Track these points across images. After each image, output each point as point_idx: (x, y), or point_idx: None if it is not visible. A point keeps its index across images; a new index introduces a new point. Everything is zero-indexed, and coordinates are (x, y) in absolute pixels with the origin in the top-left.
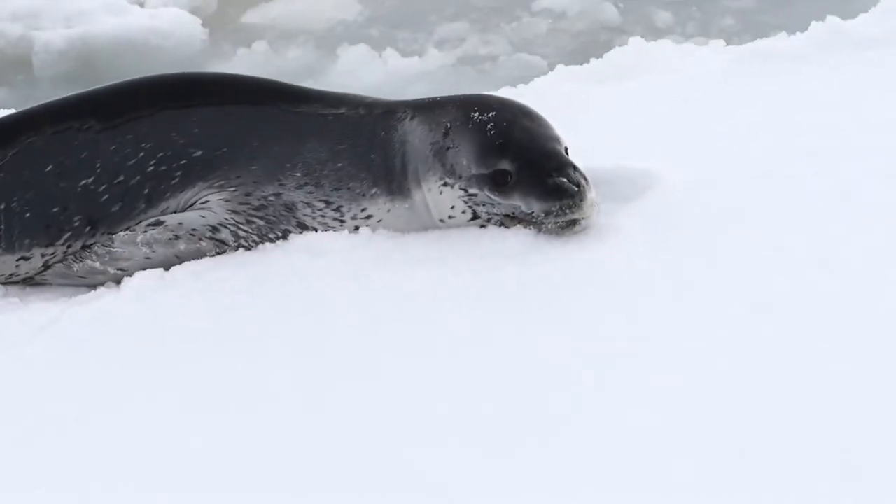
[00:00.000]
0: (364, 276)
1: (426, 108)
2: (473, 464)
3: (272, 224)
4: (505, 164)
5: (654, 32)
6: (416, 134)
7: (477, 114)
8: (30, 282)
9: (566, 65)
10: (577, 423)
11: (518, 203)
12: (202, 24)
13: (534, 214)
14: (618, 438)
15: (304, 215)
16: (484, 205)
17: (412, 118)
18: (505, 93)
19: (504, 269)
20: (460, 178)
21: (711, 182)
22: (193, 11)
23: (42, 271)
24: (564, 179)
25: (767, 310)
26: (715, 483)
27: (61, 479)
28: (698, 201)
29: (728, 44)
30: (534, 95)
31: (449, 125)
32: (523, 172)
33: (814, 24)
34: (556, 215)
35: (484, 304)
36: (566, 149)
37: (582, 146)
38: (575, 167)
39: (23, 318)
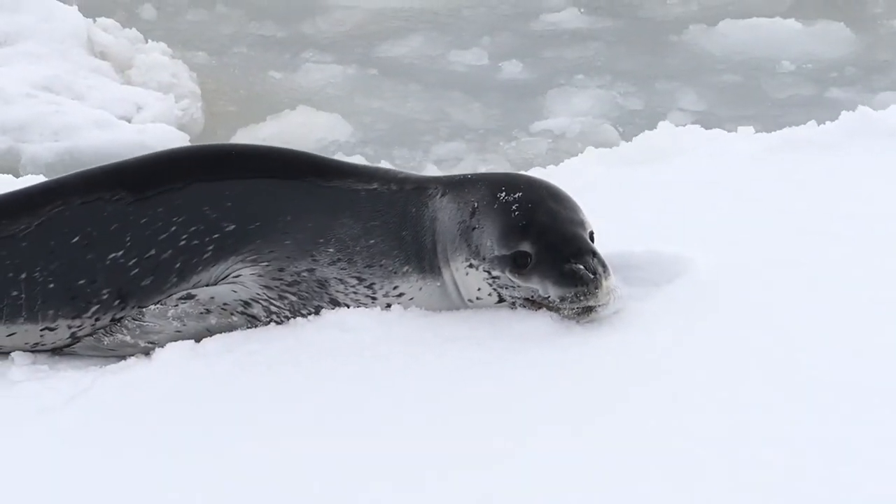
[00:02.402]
0: (394, 353)
1: (456, 186)
2: None
3: (305, 300)
4: (525, 247)
5: None
6: (445, 212)
7: (504, 194)
8: (58, 351)
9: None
10: None
11: (536, 287)
12: (190, 141)
13: (550, 299)
14: None
15: (337, 291)
16: (507, 287)
17: (442, 195)
18: (535, 172)
19: (532, 351)
20: (484, 259)
21: (742, 269)
22: (181, 128)
23: (70, 343)
24: (581, 266)
25: (800, 400)
26: None
27: None
28: (728, 288)
29: None
30: (563, 177)
31: (476, 204)
32: (542, 256)
33: (844, 113)
34: (571, 301)
35: (511, 386)
36: (591, 233)
37: (611, 229)
38: (595, 253)
39: (54, 386)
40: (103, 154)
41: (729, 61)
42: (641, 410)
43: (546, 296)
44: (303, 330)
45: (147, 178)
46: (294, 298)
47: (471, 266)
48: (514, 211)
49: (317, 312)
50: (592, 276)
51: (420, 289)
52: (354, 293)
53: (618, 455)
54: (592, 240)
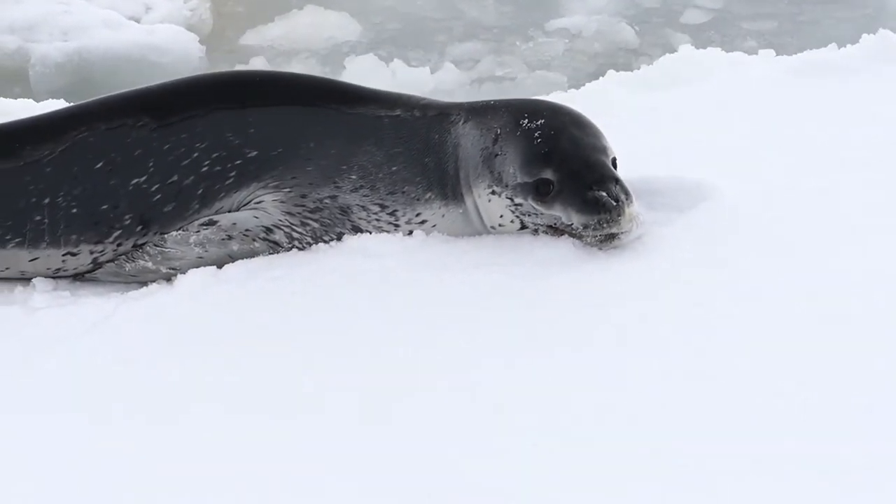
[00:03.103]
0: (417, 279)
1: (479, 112)
2: (539, 468)
3: (327, 227)
4: (548, 174)
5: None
6: (468, 138)
7: (526, 120)
8: (79, 277)
9: (585, 85)
10: (634, 431)
11: (559, 214)
12: (199, 42)
13: (573, 226)
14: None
15: (359, 219)
16: (529, 215)
17: (465, 122)
18: (556, 97)
19: (555, 277)
20: (507, 186)
21: (764, 194)
22: (190, 29)
23: (92, 269)
24: (604, 193)
25: (821, 327)
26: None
27: (112, 479)
28: (751, 214)
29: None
30: (584, 101)
31: (499, 131)
32: (565, 183)
33: (865, 36)
34: (594, 228)
35: (536, 311)
36: (614, 160)
37: (634, 154)
38: (617, 180)
39: (76, 313)
40: (113, 54)
41: None
42: (664, 336)
43: (569, 223)
44: (325, 256)
45: (170, 104)
46: (316, 225)
47: (493, 193)
48: (537, 138)
49: (339, 239)
50: (615, 204)
51: (443, 215)
52: (377, 220)
53: (641, 381)
54: (615, 166)
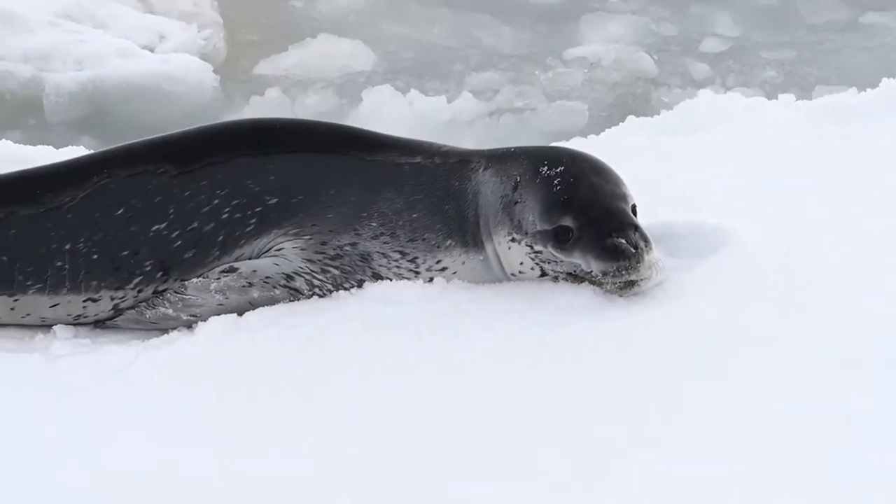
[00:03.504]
0: (438, 326)
1: (498, 159)
2: None
3: (347, 274)
4: (567, 221)
5: (692, 84)
6: (488, 185)
7: (546, 168)
8: (100, 324)
9: (606, 115)
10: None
11: (578, 261)
12: (213, 72)
13: (593, 273)
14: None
15: (380, 265)
16: (549, 262)
17: (485, 169)
18: (576, 144)
19: (577, 325)
20: (526, 234)
21: (784, 241)
22: (204, 58)
23: (113, 316)
24: (623, 241)
25: (847, 375)
26: None
27: None
28: (771, 261)
29: (770, 97)
30: (603, 146)
31: (518, 178)
32: (584, 230)
33: (884, 80)
34: (613, 276)
35: (557, 362)
36: (633, 206)
37: (655, 200)
38: (637, 227)
39: (96, 360)
40: (127, 84)
41: None
42: (684, 383)
43: (588, 270)
44: (346, 303)
45: (191, 151)
46: (337, 272)
47: (513, 240)
48: (556, 185)
49: (359, 286)
50: (634, 251)
51: (463, 262)
52: (397, 267)
53: (660, 427)
54: (635, 213)
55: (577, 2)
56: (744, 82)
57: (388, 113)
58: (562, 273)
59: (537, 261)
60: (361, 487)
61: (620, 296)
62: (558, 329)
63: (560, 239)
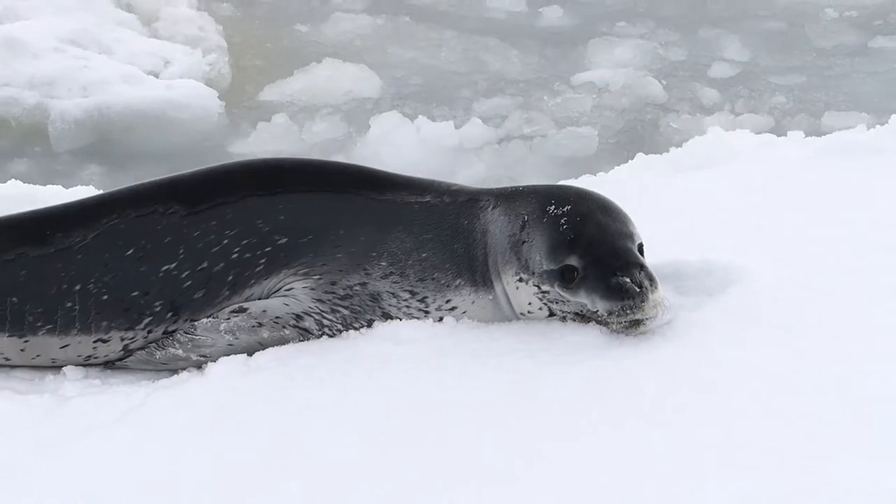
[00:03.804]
0: (448, 366)
1: (507, 198)
2: None
3: (357, 314)
4: (573, 261)
5: (701, 110)
6: (496, 225)
7: (553, 207)
8: (109, 364)
9: (616, 141)
10: None
11: (584, 301)
12: (218, 98)
13: (598, 313)
14: None
15: (390, 305)
16: (556, 302)
17: (494, 208)
18: (585, 180)
19: (584, 364)
20: (533, 273)
21: (795, 278)
22: (209, 83)
23: (123, 357)
24: (628, 280)
25: (855, 414)
26: None
27: None
28: (782, 298)
29: (779, 123)
30: (613, 184)
31: (526, 218)
32: (589, 270)
33: (894, 116)
34: (619, 315)
35: (566, 398)
36: (640, 245)
37: (664, 238)
38: (642, 266)
39: (107, 401)
40: (132, 110)
41: (772, 7)
42: (694, 422)
43: (594, 310)
44: (356, 343)
45: (200, 191)
46: (346, 312)
47: (521, 280)
48: (563, 225)
49: (369, 325)
50: (639, 290)
51: (472, 302)
52: (407, 307)
53: (670, 467)
54: (642, 252)
55: (585, 26)
56: (753, 108)
57: (396, 140)
58: (570, 313)
59: (545, 301)
60: None
61: (627, 335)
62: (567, 368)
63: (566, 278)
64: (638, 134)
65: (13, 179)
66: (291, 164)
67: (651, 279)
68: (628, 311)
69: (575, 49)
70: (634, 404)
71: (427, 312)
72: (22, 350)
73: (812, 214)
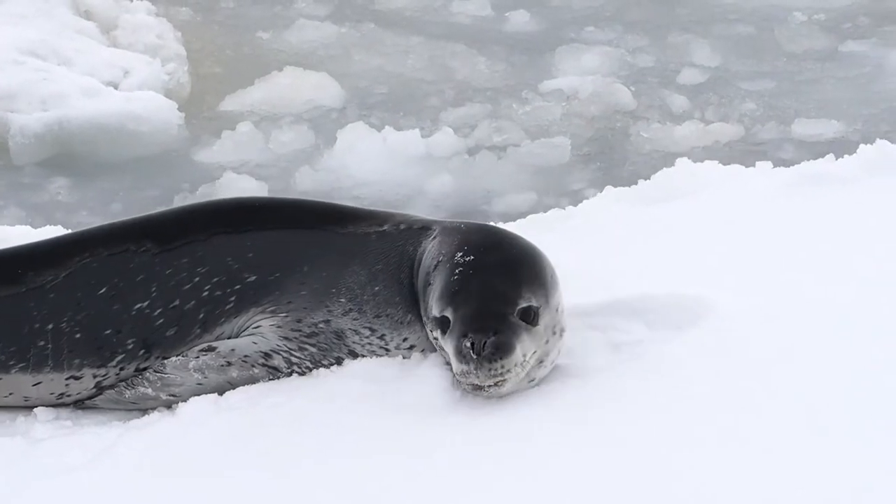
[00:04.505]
0: (416, 405)
1: (443, 233)
2: None
3: (324, 351)
4: (448, 313)
5: (670, 118)
6: (425, 258)
7: (460, 255)
8: (80, 405)
9: (588, 152)
10: None
11: (448, 355)
12: (178, 109)
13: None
14: None
15: (353, 343)
16: (442, 350)
17: (433, 239)
18: (554, 216)
19: (559, 396)
20: (428, 317)
21: (765, 311)
22: (168, 94)
23: (94, 395)
24: (469, 344)
25: (826, 435)
26: None
27: None
28: (751, 332)
29: (749, 130)
30: (583, 217)
31: (440, 259)
32: (454, 326)
33: (862, 147)
34: (458, 376)
35: (536, 433)
36: (529, 309)
37: (632, 271)
38: (497, 332)
39: (78, 442)
40: (92, 124)
41: (740, 10)
42: (666, 456)
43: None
44: (325, 381)
45: (172, 229)
46: (314, 349)
47: (426, 322)
48: (455, 275)
49: (339, 363)
50: (474, 357)
51: (427, 338)
52: (370, 344)
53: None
54: (530, 317)
55: (552, 31)
56: (723, 116)
57: (363, 150)
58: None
59: (438, 346)
60: None
61: (476, 396)
62: (535, 400)
63: (442, 329)
64: (608, 142)
65: None
66: (262, 203)
67: (498, 349)
68: (462, 376)
69: (542, 56)
70: (605, 439)
71: (388, 350)
72: None
73: (781, 246)
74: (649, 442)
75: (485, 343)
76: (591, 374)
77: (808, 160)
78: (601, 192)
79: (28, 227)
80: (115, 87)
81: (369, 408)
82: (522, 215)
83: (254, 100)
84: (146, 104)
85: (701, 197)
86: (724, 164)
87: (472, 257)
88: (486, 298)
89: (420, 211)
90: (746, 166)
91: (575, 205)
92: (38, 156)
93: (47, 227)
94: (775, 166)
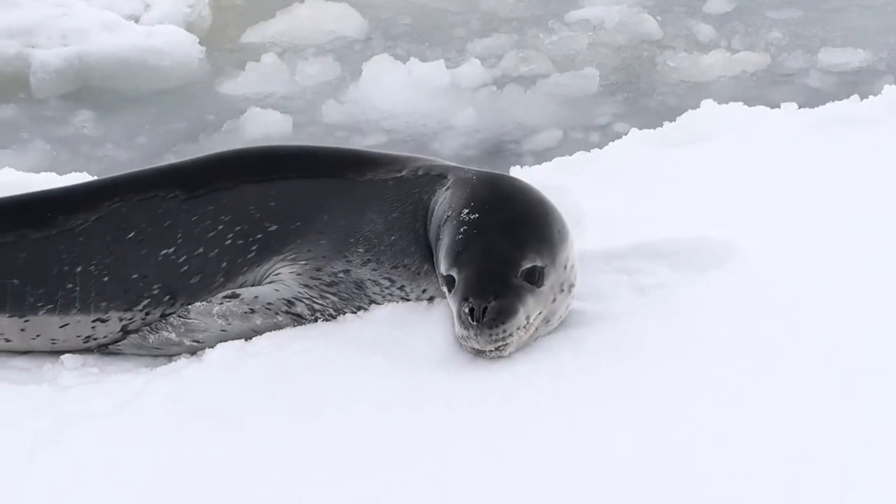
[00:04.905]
0: (443, 349)
1: (455, 185)
2: None
3: (346, 301)
4: (454, 273)
5: (697, 47)
6: (439, 209)
7: (467, 211)
8: (104, 350)
9: (614, 82)
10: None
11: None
12: (199, 43)
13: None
14: None
15: (374, 293)
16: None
17: (447, 189)
18: (580, 159)
19: (589, 339)
20: (439, 273)
21: (790, 254)
22: (189, 28)
23: (119, 339)
24: (468, 310)
25: (847, 381)
26: None
27: None
28: (775, 272)
29: (775, 59)
30: (609, 160)
31: (449, 214)
32: (458, 287)
33: (887, 87)
34: (460, 339)
35: (565, 381)
36: (533, 269)
37: (657, 214)
38: (498, 296)
39: (105, 390)
40: (112, 58)
41: None
42: (686, 399)
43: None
44: (352, 326)
45: (200, 176)
46: (335, 298)
47: (438, 275)
48: (460, 234)
49: (365, 309)
50: (473, 324)
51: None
52: (390, 295)
53: (658, 440)
54: (534, 276)
55: None
56: (749, 45)
57: (389, 82)
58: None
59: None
60: None
61: (478, 357)
62: (566, 345)
63: (449, 289)
64: (635, 73)
65: (7, 167)
66: (286, 151)
67: (499, 314)
68: (463, 340)
69: None
70: (627, 380)
71: (408, 300)
72: (22, 330)
73: (806, 188)
74: (672, 386)
75: (484, 309)
76: (617, 318)
77: (834, 88)
78: (628, 124)
79: (53, 174)
80: (136, 21)
81: (395, 353)
82: (549, 151)
83: (275, 32)
84: (167, 38)
85: (726, 139)
86: (750, 93)
87: (477, 215)
88: (488, 261)
89: (448, 146)
90: (772, 96)
91: (602, 141)
92: (59, 90)
93: (72, 173)
94: (800, 95)
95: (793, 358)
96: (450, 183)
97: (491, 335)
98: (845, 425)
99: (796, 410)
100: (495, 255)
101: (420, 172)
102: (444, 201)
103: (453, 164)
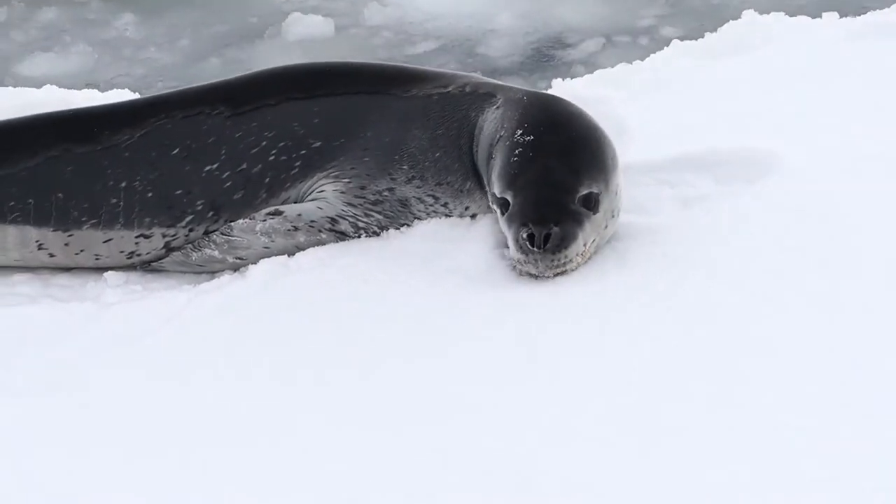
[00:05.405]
0: (487, 264)
1: (507, 104)
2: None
3: (391, 219)
4: (509, 196)
5: None
6: (488, 127)
7: (521, 132)
8: (147, 267)
9: None
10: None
11: (507, 237)
12: None
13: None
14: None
15: (419, 211)
16: (503, 228)
17: (497, 108)
18: (622, 71)
19: (634, 252)
20: (491, 193)
21: (834, 165)
22: None
23: (163, 255)
24: (529, 236)
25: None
26: None
27: (182, 476)
28: (822, 185)
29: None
30: (651, 72)
31: (502, 134)
32: (514, 211)
33: None
34: (516, 263)
35: (607, 292)
36: (590, 195)
37: (700, 125)
38: (559, 223)
39: (148, 306)
40: None
41: None
42: (728, 307)
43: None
44: (394, 242)
45: (246, 93)
46: (380, 216)
47: (487, 193)
48: (515, 156)
49: (409, 225)
50: (533, 250)
51: (489, 207)
52: (434, 212)
53: (697, 349)
54: (591, 202)
55: None
56: None
57: None
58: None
59: (499, 223)
60: (429, 442)
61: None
62: (610, 261)
63: (502, 211)
64: None
65: (48, 85)
66: (331, 68)
67: (562, 240)
68: (520, 265)
69: None
70: (662, 288)
71: (452, 217)
72: (66, 244)
73: (849, 98)
74: (717, 299)
75: (546, 235)
76: (660, 230)
77: None
78: (672, 28)
79: (95, 91)
80: None
81: (438, 269)
82: (592, 58)
83: None
84: None
85: (768, 50)
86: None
87: (531, 137)
88: (548, 187)
89: (491, 51)
90: (812, 6)
91: (649, 45)
92: None
93: (113, 90)
94: (842, 3)
95: (844, 271)
96: (500, 102)
97: (553, 261)
98: (872, 354)
99: (845, 320)
100: (553, 181)
101: (468, 89)
102: (494, 120)
103: (500, 82)
